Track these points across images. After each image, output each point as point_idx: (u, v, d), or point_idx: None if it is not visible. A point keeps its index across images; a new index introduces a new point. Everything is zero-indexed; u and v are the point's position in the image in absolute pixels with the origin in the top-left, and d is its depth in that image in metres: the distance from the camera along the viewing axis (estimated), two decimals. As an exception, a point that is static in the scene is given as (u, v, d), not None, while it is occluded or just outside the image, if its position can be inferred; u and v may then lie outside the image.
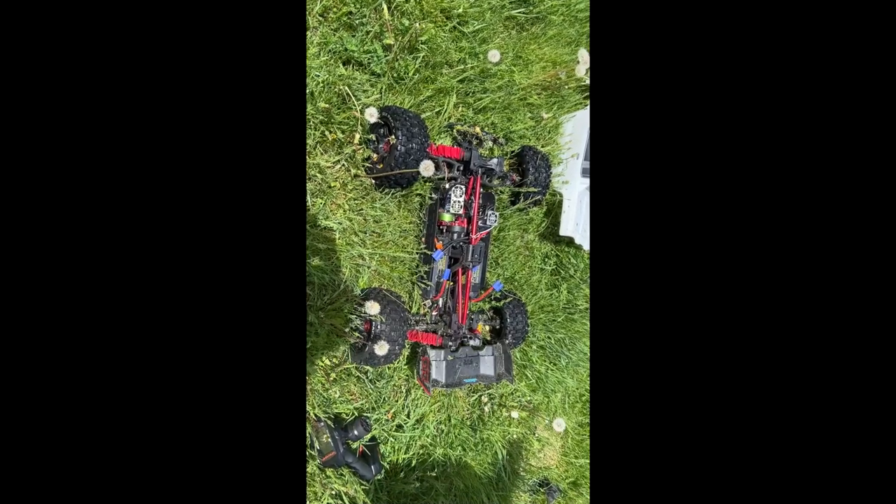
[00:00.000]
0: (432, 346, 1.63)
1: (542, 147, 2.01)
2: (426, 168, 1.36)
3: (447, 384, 1.59)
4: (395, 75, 1.56)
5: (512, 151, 1.89)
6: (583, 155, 2.02)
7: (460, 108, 1.70)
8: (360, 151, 1.46)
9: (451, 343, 1.64)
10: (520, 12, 1.88)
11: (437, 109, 1.68)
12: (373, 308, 1.32)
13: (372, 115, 1.34)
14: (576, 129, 2.04)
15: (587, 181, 2.02)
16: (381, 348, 1.31)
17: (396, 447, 1.74)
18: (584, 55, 1.82)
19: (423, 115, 1.63)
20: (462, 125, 1.69)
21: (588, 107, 2.03)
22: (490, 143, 1.80)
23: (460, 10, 1.68)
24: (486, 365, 1.71)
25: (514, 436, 2.18)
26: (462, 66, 1.69)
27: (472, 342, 1.70)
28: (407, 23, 1.52)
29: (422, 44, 1.58)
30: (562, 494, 2.43)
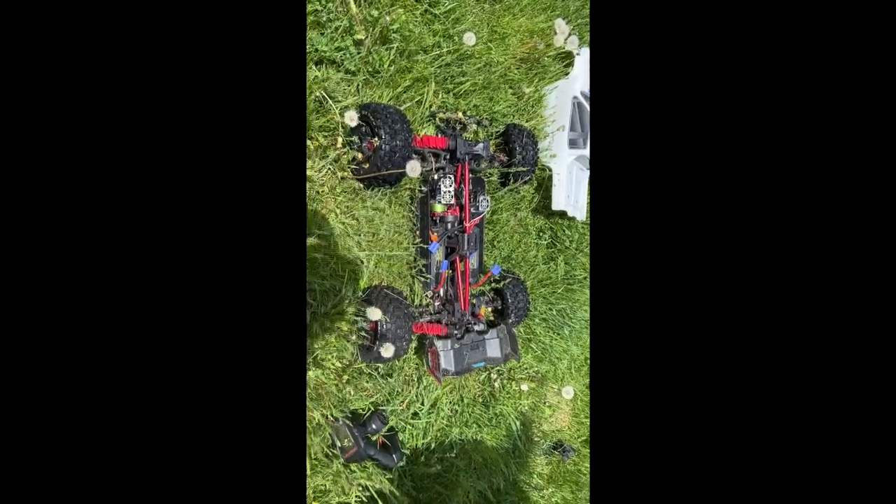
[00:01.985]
0: (438, 337, 1.66)
1: (527, 122, 1.98)
2: (412, 169, 1.35)
3: (457, 371, 1.63)
4: (370, 69, 1.51)
5: (497, 132, 1.86)
6: (568, 126, 2.00)
7: (440, 95, 1.67)
8: (345, 154, 1.44)
9: (456, 331, 1.68)
10: (491, -16, 1.81)
11: (417, 99, 1.64)
12: (374, 314, 1.34)
13: (352, 119, 1.31)
14: (559, 99, 2.01)
15: (575, 152, 2.01)
16: (388, 350, 1.34)
17: (414, 434, 1.80)
18: (560, 25, 1.77)
19: (403, 107, 1.60)
20: (444, 112, 1.66)
21: (568, 76, 1.99)
22: (474, 126, 1.77)
23: (429, -10, 1.61)
24: (493, 347, 1.75)
25: (526, 406, 2.26)
26: (438, 51, 1.64)
27: (476, 327, 1.74)
28: (376, 13, 1.47)
29: (394, 33, 1.53)
30: (575, 453, 2.55)
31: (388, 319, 1.45)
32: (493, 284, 1.91)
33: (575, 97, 1.99)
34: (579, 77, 1.98)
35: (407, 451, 1.76)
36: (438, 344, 1.62)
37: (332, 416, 1.52)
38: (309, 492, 1.46)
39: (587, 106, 2.00)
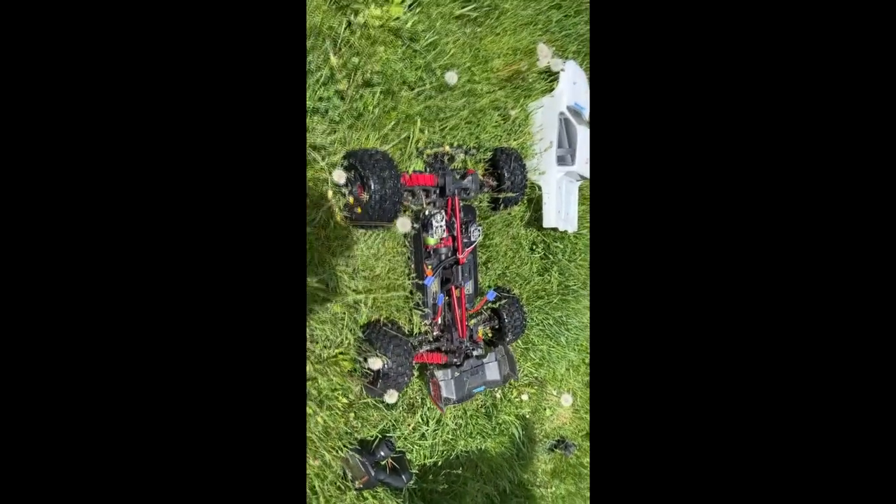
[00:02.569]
0: (439, 367, 1.73)
1: (514, 141, 2.00)
2: (402, 225, 1.38)
3: (458, 399, 1.71)
4: (354, 115, 1.52)
5: (484, 158, 1.88)
6: (556, 143, 2.01)
7: (427, 132, 1.68)
8: (335, 204, 1.47)
9: (455, 359, 1.74)
10: (470, 9, 1.78)
11: (404, 135, 1.65)
12: (375, 363, 1.40)
13: (340, 177, 1.33)
14: (546, 116, 2.02)
15: (563, 169, 2.02)
16: (391, 396, 1.41)
17: (422, 453, 1.90)
18: (542, 49, 1.76)
19: (389, 145, 1.62)
20: (431, 148, 1.68)
21: (553, 93, 1.98)
22: (462, 156, 1.79)
23: (409, 26, 1.60)
24: (492, 370, 1.82)
25: (527, 412, 2.36)
26: (421, 87, 1.64)
27: (475, 352, 1.80)
28: (357, 59, 1.47)
29: (375, 73, 1.53)
30: (577, 447, 2.66)
31: (388, 360, 1.51)
32: (489, 305, 1.97)
33: (561, 113, 1.99)
34: (565, 92, 1.98)
35: (415, 471, 1.86)
36: (439, 374, 1.69)
37: (340, 451, 1.60)
38: (326, 522, 1.56)
39: (574, 121, 2.00)
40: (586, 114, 2.19)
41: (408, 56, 1.63)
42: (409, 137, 1.65)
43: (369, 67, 1.53)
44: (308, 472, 1.49)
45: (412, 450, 1.87)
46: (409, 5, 1.62)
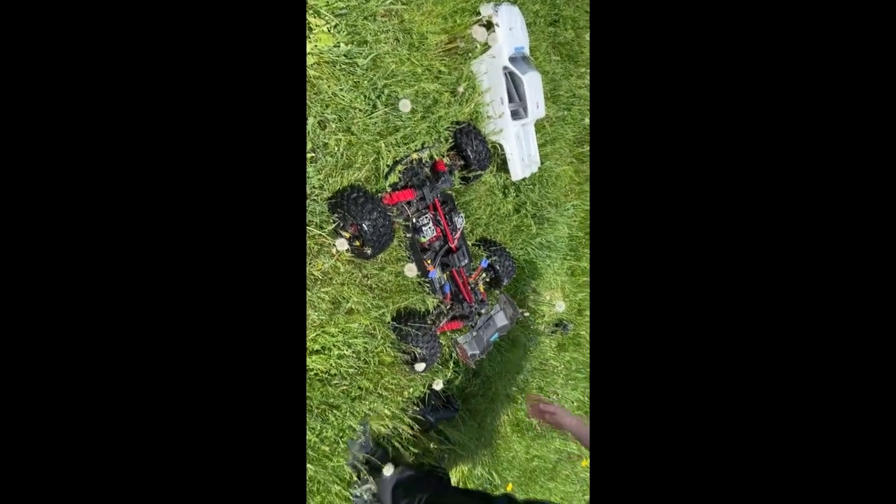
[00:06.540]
0: (459, 332, 2.10)
1: (467, 109, 2.05)
2: (410, 270, 1.58)
3: (482, 352, 2.12)
4: (324, 163, 1.60)
5: (447, 146, 1.96)
6: (507, 99, 2.07)
7: (392, 150, 1.75)
8: (342, 252, 1.65)
9: (470, 322, 2.10)
10: (391, 3, 1.68)
11: (372, 157, 1.73)
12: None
13: (342, 245, 1.49)
14: (490, 77, 2.03)
15: (519, 122, 2.12)
16: (420, 367, 1.80)
17: (460, 385, 2.39)
18: (477, 31, 1.70)
19: (362, 171, 1.71)
20: (402, 164, 1.77)
21: (492, 52, 1.97)
22: (428, 152, 1.88)
23: (343, 48, 1.56)
24: (500, 318, 2.21)
25: (528, 319, 2.84)
26: (373, 110, 1.67)
27: (482, 309, 2.15)
28: (312, 120, 1.49)
29: (326, 110, 1.57)
30: (573, 325, 3.25)
31: (421, 350, 1.86)
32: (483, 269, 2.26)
33: (505, 67, 2.01)
34: (503, 46, 1.97)
35: (460, 402, 2.37)
36: (461, 339, 2.07)
37: (404, 417, 2.06)
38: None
39: (518, 72, 2.03)
40: (527, 49, 2.18)
41: (348, 74, 1.62)
42: (377, 159, 1.73)
43: (317, 110, 1.55)
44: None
45: (453, 388, 2.36)
46: (335, 26, 1.55)
